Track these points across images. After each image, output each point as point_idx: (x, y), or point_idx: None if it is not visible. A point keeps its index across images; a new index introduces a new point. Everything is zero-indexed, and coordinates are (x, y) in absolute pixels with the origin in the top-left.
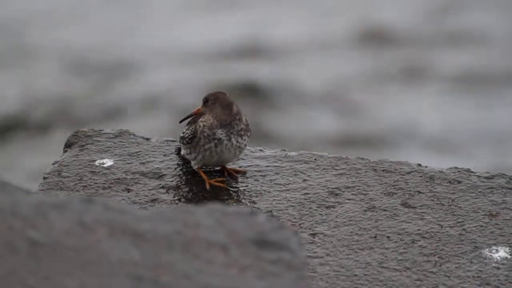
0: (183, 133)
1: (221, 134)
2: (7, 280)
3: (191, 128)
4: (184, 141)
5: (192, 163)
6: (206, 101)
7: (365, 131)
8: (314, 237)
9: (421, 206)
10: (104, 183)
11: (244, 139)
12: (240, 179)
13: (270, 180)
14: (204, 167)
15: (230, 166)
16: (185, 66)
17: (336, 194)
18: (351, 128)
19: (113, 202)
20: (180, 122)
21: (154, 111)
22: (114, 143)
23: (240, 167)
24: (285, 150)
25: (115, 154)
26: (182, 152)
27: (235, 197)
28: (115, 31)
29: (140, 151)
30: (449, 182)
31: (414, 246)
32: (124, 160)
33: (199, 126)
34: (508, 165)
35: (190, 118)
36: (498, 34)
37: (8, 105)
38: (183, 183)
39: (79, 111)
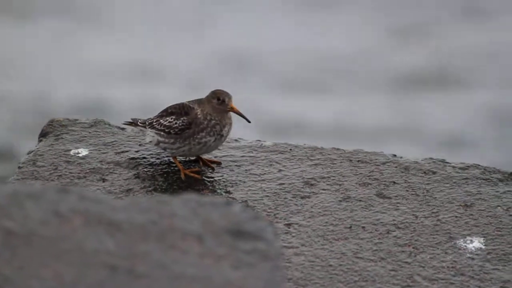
0: (169, 122)
1: (225, 131)
2: None
3: (182, 118)
4: (170, 131)
5: (169, 151)
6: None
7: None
8: (289, 227)
9: (396, 196)
10: (79, 173)
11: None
12: (215, 169)
13: (246, 170)
14: (180, 157)
15: (205, 156)
16: None
17: (311, 185)
18: None
19: (88, 192)
20: (250, 122)
21: None
22: (89, 132)
23: (215, 157)
24: (260, 141)
25: (90, 144)
26: (150, 140)
27: (210, 187)
28: None
29: (115, 141)
30: (424, 172)
31: (389, 236)
32: (99, 150)
33: (211, 121)
34: None
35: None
36: None
37: None
38: (158, 173)
39: None
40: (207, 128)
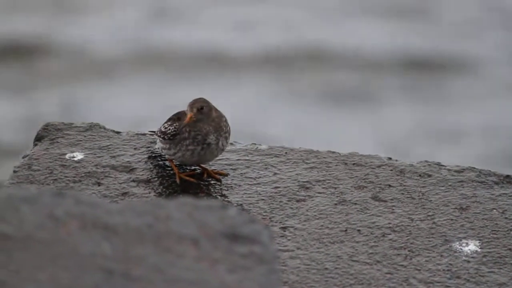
0: (165, 128)
1: (212, 139)
2: None
3: (174, 124)
4: (165, 136)
5: (168, 157)
6: (201, 108)
7: None
8: (284, 231)
9: (391, 199)
10: (74, 177)
11: (228, 142)
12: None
13: (241, 173)
14: (179, 164)
15: (211, 168)
16: None
17: (307, 188)
18: None
19: (84, 196)
20: (176, 133)
21: None
22: (85, 136)
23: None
24: (255, 144)
25: (86, 148)
26: (158, 146)
27: (205, 191)
28: None
29: (111, 145)
30: (420, 175)
31: (384, 239)
32: (95, 154)
33: (191, 130)
34: None
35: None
36: None
37: None
38: (154, 176)
39: None
40: (189, 138)
